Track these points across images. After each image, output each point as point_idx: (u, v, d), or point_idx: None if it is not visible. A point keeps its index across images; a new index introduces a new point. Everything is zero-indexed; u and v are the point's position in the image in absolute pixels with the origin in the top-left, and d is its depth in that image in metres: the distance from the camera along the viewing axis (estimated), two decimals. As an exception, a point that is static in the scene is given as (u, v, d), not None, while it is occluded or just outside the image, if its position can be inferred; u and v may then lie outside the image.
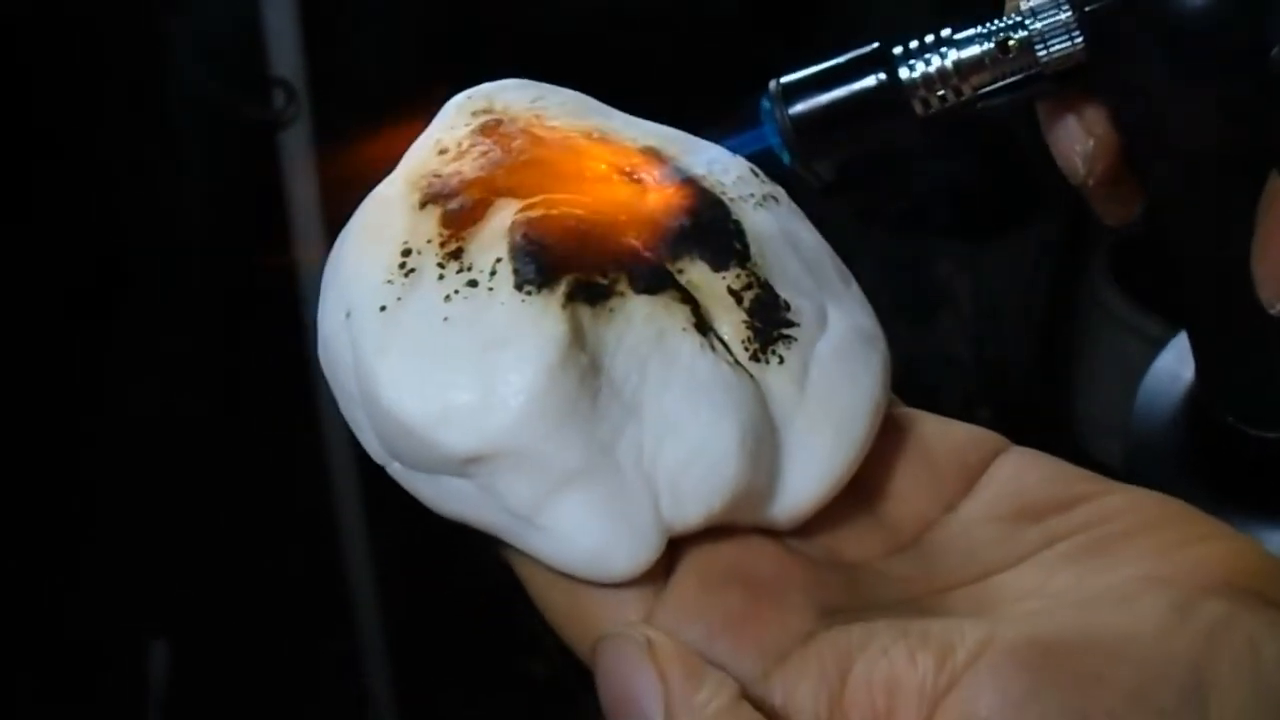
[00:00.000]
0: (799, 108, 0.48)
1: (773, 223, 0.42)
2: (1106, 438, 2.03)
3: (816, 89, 0.48)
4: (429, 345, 0.37)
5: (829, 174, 0.49)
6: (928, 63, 0.48)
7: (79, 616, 1.41)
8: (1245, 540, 0.38)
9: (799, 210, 0.44)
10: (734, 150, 0.44)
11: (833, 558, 0.40)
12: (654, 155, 0.42)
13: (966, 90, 0.48)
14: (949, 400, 2.06)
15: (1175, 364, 0.60)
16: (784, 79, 0.49)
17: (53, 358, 1.37)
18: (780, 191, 0.44)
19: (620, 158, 0.42)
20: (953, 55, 0.48)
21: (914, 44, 0.48)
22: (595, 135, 0.42)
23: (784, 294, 0.40)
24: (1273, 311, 0.47)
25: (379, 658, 1.52)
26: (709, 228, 0.40)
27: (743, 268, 0.40)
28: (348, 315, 0.39)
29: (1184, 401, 0.60)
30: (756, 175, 0.43)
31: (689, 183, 0.41)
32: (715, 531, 0.38)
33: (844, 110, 0.48)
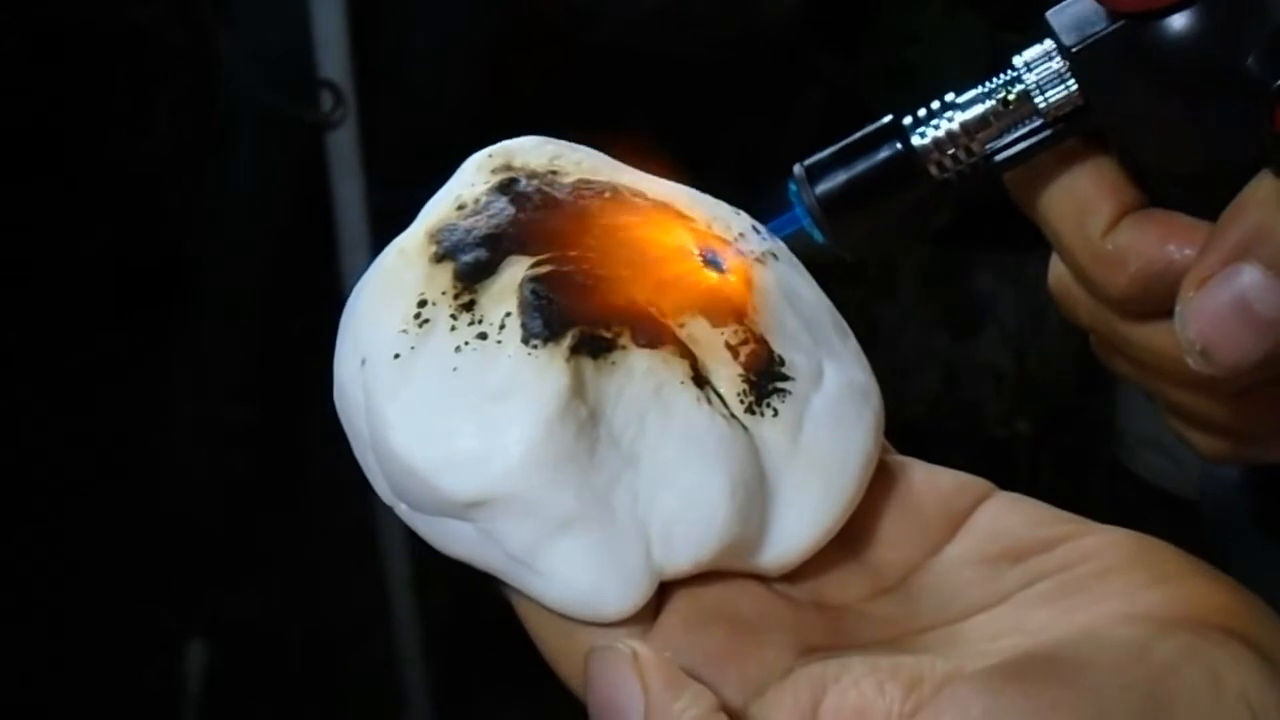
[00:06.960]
0: (823, 187, 0.51)
1: (772, 279, 0.44)
2: (1146, 451, 2.02)
3: (837, 166, 0.51)
4: (438, 393, 0.39)
5: (866, 250, 0.51)
6: (937, 127, 0.51)
7: (116, 617, 1.44)
8: (1219, 578, 0.39)
9: (800, 266, 0.46)
10: (773, 232, 0.46)
11: (817, 600, 0.42)
12: (664, 213, 0.44)
13: (976, 148, 0.51)
14: (991, 413, 2.07)
15: None
16: (806, 161, 0.51)
17: (97, 361, 1.39)
18: (781, 248, 0.46)
19: (631, 215, 0.44)
20: (959, 117, 0.51)
21: (922, 111, 0.51)
22: (608, 194, 0.44)
23: (780, 349, 0.42)
24: None
25: (415, 660, 1.54)
26: (710, 284, 0.42)
27: (740, 324, 0.42)
28: (363, 363, 0.41)
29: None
30: (758, 232, 0.45)
31: (694, 240, 0.43)
32: (705, 574, 0.40)
33: (866, 183, 0.51)
